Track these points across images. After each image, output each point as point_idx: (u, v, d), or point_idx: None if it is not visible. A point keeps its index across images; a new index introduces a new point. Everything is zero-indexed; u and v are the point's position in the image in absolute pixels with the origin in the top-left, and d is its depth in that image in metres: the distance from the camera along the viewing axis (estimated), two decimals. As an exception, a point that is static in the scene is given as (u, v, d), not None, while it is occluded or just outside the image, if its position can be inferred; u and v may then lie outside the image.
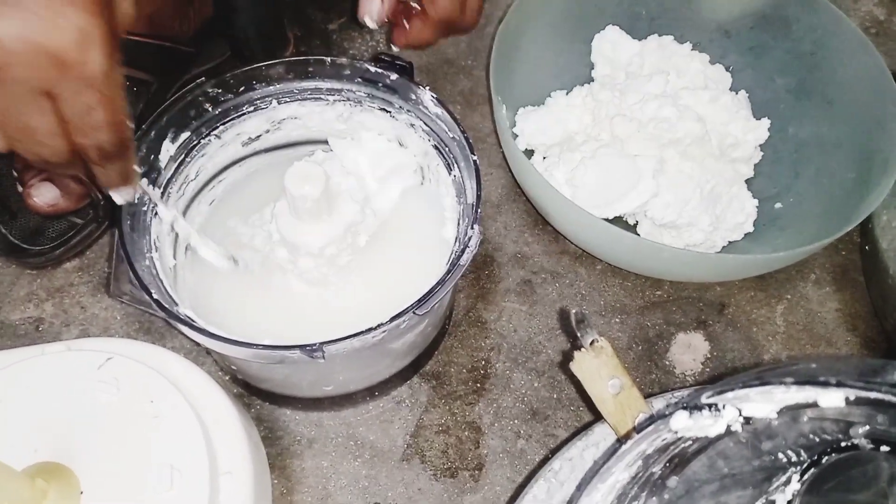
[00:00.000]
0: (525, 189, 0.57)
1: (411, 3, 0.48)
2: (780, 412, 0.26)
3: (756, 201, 0.59)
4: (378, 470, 0.51)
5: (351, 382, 0.51)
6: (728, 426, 0.27)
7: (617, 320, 0.57)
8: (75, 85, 0.34)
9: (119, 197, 0.42)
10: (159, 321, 0.56)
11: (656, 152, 0.55)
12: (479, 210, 0.46)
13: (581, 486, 0.27)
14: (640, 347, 0.56)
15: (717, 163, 0.58)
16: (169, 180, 0.50)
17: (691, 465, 0.29)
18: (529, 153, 0.61)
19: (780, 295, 0.59)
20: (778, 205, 0.60)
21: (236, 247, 0.52)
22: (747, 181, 0.61)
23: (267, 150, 0.56)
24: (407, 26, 0.48)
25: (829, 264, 0.60)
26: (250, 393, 0.53)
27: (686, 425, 0.26)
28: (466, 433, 0.53)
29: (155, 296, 0.42)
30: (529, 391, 0.54)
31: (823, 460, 0.26)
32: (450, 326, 0.57)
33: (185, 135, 0.50)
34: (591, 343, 0.35)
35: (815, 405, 0.25)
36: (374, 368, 0.50)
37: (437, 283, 0.43)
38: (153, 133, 0.48)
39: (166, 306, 0.42)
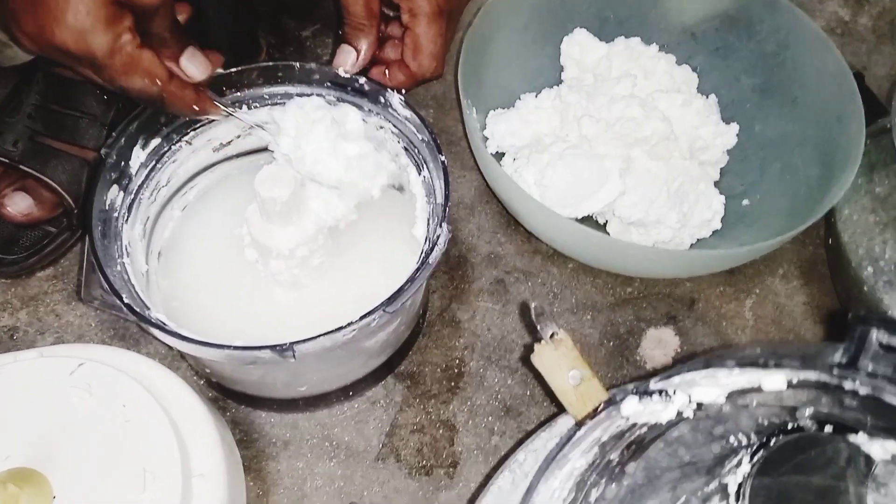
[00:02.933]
0: (496, 191, 0.58)
1: (389, 54, 0.50)
2: (728, 397, 0.27)
3: (723, 198, 0.60)
4: (353, 470, 0.51)
5: (325, 382, 0.51)
6: (680, 412, 0.27)
7: (588, 317, 0.58)
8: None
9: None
10: (134, 328, 0.56)
11: (623, 152, 0.56)
12: (447, 209, 0.47)
13: (538, 474, 0.28)
14: (611, 343, 0.57)
15: (684, 162, 0.59)
16: (140, 186, 0.50)
17: (649, 453, 0.30)
18: (500, 156, 0.62)
19: (748, 289, 0.60)
20: (745, 202, 0.61)
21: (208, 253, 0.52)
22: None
23: (238, 156, 0.56)
24: (386, 71, 0.51)
25: (797, 259, 0.61)
26: (225, 396, 0.54)
27: (636, 410, 0.27)
28: (441, 431, 0.53)
29: (126, 300, 0.43)
30: (503, 388, 0.55)
31: (772, 442, 0.27)
32: (424, 326, 0.57)
33: (155, 141, 0.50)
34: (551, 336, 0.35)
35: (759, 389, 0.26)
36: (348, 367, 0.51)
37: (407, 281, 0.44)
38: (123, 140, 0.48)
39: (137, 310, 0.43)
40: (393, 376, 0.55)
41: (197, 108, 0.46)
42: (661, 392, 0.27)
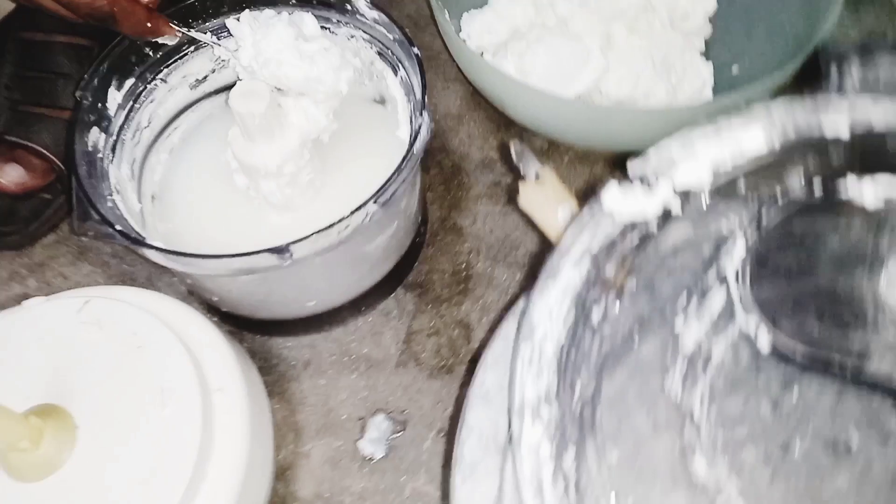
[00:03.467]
0: (479, 85, 0.57)
1: None
2: (714, 177, 0.26)
3: (711, 66, 0.59)
4: (375, 379, 0.51)
5: (334, 295, 0.51)
6: (666, 208, 0.27)
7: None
8: None
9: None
10: (142, 276, 0.56)
11: (602, 28, 0.55)
12: (426, 99, 0.46)
13: (533, 290, 0.27)
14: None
15: (666, 33, 0.58)
16: (121, 128, 0.50)
17: (644, 266, 0.29)
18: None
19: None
20: (735, 68, 0.60)
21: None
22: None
23: (217, 92, 0.56)
24: None
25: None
26: (240, 328, 0.54)
27: (619, 204, 0.26)
28: (457, 331, 0.53)
29: (118, 227, 0.43)
30: (512, 284, 0.55)
31: (763, 216, 0.26)
32: (426, 235, 0.57)
33: (129, 81, 0.50)
34: (535, 175, 0.35)
35: (741, 159, 0.25)
36: (354, 276, 0.51)
37: (394, 172, 0.44)
38: (97, 81, 0.48)
39: (132, 235, 0.43)
40: (402, 287, 0.55)
41: (150, 26, 0.45)
42: (641, 180, 0.26)
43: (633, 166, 0.26)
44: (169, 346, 0.43)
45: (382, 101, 0.55)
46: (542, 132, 0.58)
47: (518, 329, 0.29)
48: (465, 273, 0.56)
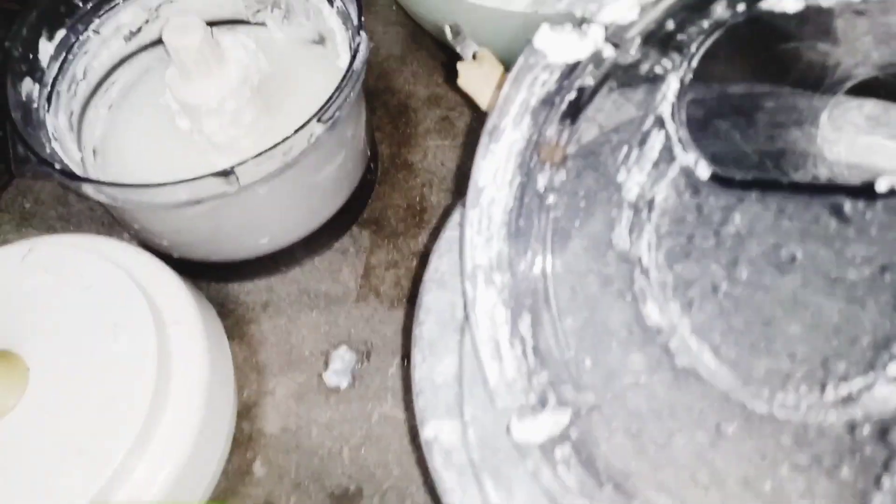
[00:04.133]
0: (422, 15, 0.56)
1: None
2: (641, 17, 0.26)
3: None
4: (336, 315, 0.51)
5: (286, 231, 0.50)
6: (597, 51, 0.27)
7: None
8: None
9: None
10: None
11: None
12: (362, 19, 0.46)
13: (476, 153, 0.27)
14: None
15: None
16: (55, 79, 0.49)
17: (583, 132, 0.30)
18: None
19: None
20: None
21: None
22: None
23: (153, 44, 0.55)
24: None
25: None
26: (194, 276, 0.53)
27: (551, 43, 0.26)
28: (415, 262, 0.53)
29: (58, 166, 0.42)
30: (467, 210, 0.55)
31: (693, 49, 0.26)
32: (378, 173, 0.57)
33: (60, 32, 0.49)
34: (473, 56, 0.34)
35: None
36: (305, 211, 0.50)
37: (335, 90, 0.43)
38: (25, 31, 0.47)
39: (70, 171, 0.42)
40: (357, 225, 0.55)
41: None
42: (574, 23, 0.26)
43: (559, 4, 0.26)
44: (119, 283, 0.42)
45: (322, 41, 0.55)
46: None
47: (465, 196, 0.29)
48: (419, 207, 0.55)
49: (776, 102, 0.30)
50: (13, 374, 0.39)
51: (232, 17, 0.56)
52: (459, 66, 0.35)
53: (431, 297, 0.33)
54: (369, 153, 0.55)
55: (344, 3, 0.49)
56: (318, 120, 0.42)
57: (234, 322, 0.51)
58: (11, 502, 0.36)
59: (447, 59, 0.61)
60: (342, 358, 0.49)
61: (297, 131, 0.42)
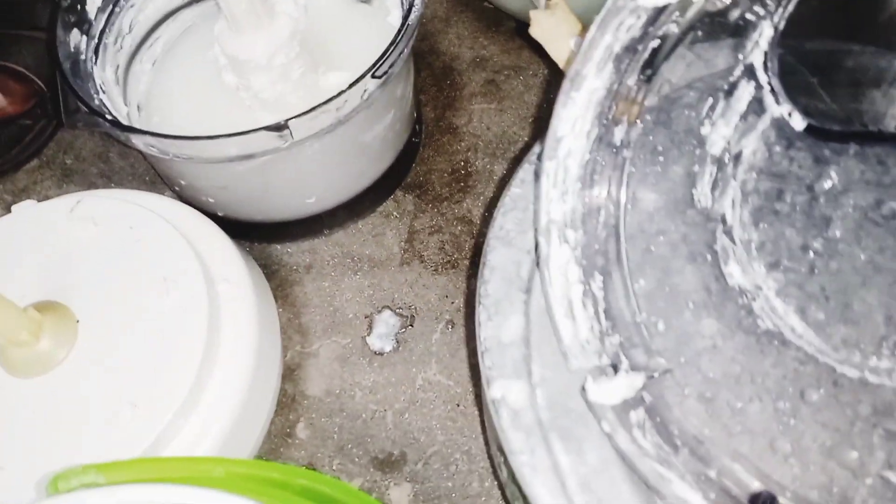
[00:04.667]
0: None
1: None
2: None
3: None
4: (380, 278, 0.50)
5: (333, 191, 0.49)
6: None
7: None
8: None
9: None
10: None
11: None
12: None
13: (557, 101, 0.26)
14: (615, 112, 0.55)
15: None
16: (102, 32, 0.48)
17: (666, 75, 0.28)
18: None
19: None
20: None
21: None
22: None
23: (198, 0, 0.54)
24: None
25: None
26: (238, 236, 0.52)
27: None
28: (459, 228, 0.52)
29: (109, 117, 0.41)
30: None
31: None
32: (422, 136, 0.56)
33: (108, -17, 0.49)
34: (546, 3, 0.33)
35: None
36: (353, 171, 0.49)
37: (390, 45, 0.42)
38: (74, -20, 0.46)
39: (122, 122, 0.41)
40: (401, 189, 0.54)
41: None
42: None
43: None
44: (169, 238, 0.42)
45: (368, 1, 0.54)
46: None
47: (542, 145, 0.28)
48: (463, 171, 0.54)
49: (863, 60, 0.29)
50: (63, 326, 0.39)
51: (279, -28, 0.55)
52: (532, 13, 0.34)
53: (496, 256, 0.32)
54: (415, 116, 0.54)
55: (395, -42, 0.48)
56: (373, 76, 0.41)
57: (277, 283, 0.50)
58: (63, 453, 0.36)
59: (493, 22, 0.60)
60: (386, 322, 0.48)
61: (351, 86, 0.41)
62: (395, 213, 0.53)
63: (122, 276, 0.41)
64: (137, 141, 0.41)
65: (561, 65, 0.33)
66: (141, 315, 0.40)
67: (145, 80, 0.53)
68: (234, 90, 0.49)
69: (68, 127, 0.41)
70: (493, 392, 0.29)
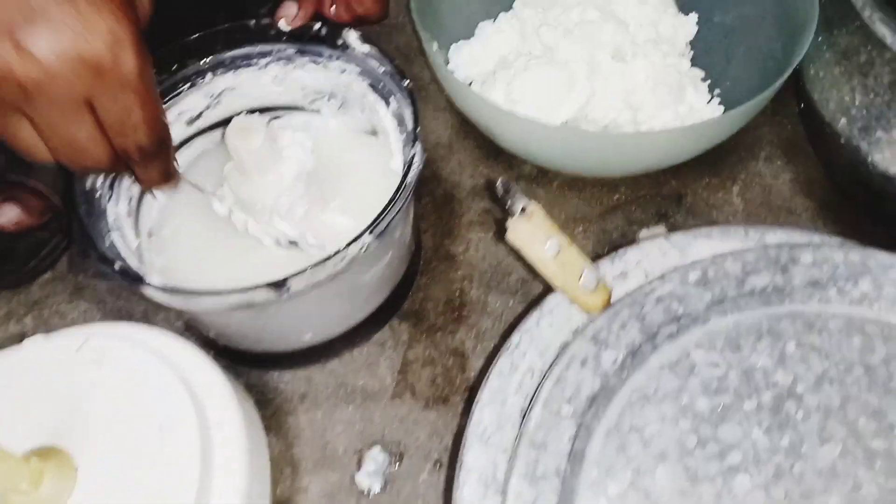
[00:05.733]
0: (467, 114, 0.58)
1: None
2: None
3: (698, 88, 0.60)
4: (371, 411, 0.52)
5: (330, 326, 0.51)
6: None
7: (580, 229, 0.58)
8: (112, 89, 0.34)
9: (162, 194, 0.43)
10: (138, 312, 0.57)
11: (587, 55, 0.56)
12: (418, 131, 0.47)
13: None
14: (605, 250, 0.57)
15: (649, 58, 0.59)
16: (117, 169, 0.51)
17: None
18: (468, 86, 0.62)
19: (734, 176, 0.60)
20: (717, 91, 0.61)
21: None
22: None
23: (211, 128, 0.57)
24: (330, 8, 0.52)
25: (777, 139, 0.61)
26: (236, 363, 0.54)
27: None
28: (452, 360, 0.54)
29: (118, 266, 0.43)
30: (506, 310, 0.55)
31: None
32: (421, 264, 0.58)
33: (126, 120, 0.51)
34: (522, 210, 0.35)
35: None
36: (350, 308, 0.51)
37: (388, 203, 0.44)
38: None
39: (130, 273, 0.43)
40: (397, 316, 0.56)
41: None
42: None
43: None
44: (167, 383, 0.43)
45: (374, 133, 0.56)
46: (531, 159, 0.59)
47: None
48: (458, 301, 0.56)
49: None
50: (63, 474, 0.40)
51: (289, 104, 0.57)
52: (509, 222, 0.36)
53: (473, 456, 0.33)
54: (414, 247, 0.56)
55: (400, 107, 0.50)
56: (371, 233, 0.43)
57: (272, 412, 0.52)
58: None
59: (493, 151, 0.62)
60: (375, 459, 0.49)
61: (349, 244, 0.43)
62: (389, 342, 0.55)
63: (121, 421, 0.42)
64: (143, 289, 0.43)
65: (539, 268, 0.35)
66: (137, 462, 0.41)
67: (157, 205, 0.55)
68: (242, 223, 0.51)
69: (77, 274, 0.43)
70: None
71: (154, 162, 0.40)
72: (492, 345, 0.54)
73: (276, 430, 0.51)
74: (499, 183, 0.37)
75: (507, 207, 0.36)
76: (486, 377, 0.36)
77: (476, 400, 0.36)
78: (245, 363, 0.54)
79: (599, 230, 0.58)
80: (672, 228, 0.58)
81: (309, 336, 0.51)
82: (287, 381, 0.53)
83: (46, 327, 0.57)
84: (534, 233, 0.35)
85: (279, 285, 0.42)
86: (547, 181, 0.61)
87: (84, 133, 0.35)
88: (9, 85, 0.33)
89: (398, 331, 0.55)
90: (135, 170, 0.41)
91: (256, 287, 0.42)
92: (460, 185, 0.62)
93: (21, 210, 0.58)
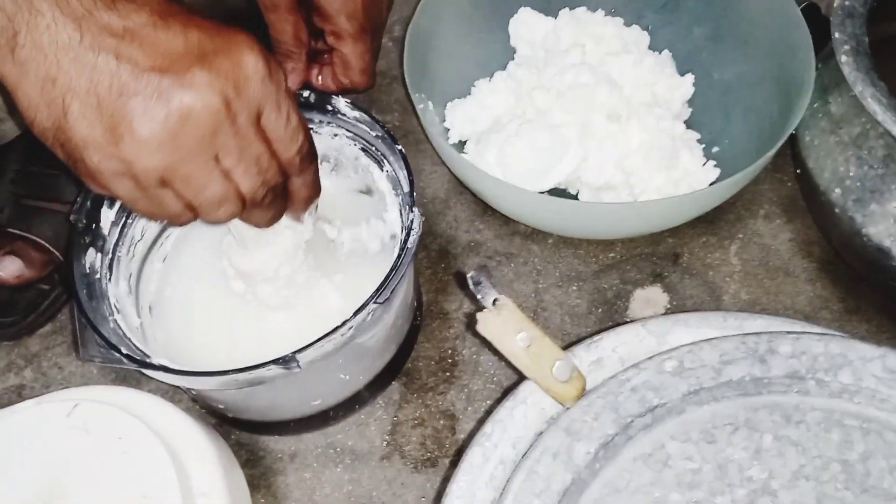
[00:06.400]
0: (461, 178, 0.58)
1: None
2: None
3: (693, 151, 0.59)
4: (360, 473, 0.52)
5: (336, 393, 0.51)
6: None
7: (574, 288, 0.58)
8: (272, 98, 0.36)
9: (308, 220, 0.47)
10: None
11: (581, 118, 0.56)
12: (414, 195, 0.47)
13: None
14: (600, 310, 0.57)
15: (645, 120, 0.59)
16: (116, 245, 0.51)
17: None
18: (463, 144, 0.63)
19: (731, 235, 0.59)
20: (715, 149, 0.61)
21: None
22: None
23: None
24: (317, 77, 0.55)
25: (776, 197, 0.61)
26: (227, 424, 0.54)
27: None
28: (442, 422, 0.54)
29: (125, 351, 0.44)
30: (498, 371, 0.55)
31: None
32: (421, 320, 0.58)
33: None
34: (493, 302, 0.35)
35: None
36: (356, 370, 0.51)
37: (391, 270, 0.44)
38: (89, 203, 0.49)
39: (137, 358, 0.44)
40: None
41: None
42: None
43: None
44: (153, 451, 0.44)
45: (369, 192, 0.56)
46: (523, 222, 0.59)
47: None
48: (450, 360, 0.56)
49: None
50: (46, 541, 0.41)
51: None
52: (479, 315, 0.36)
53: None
54: (415, 303, 0.56)
55: (394, 169, 0.51)
56: (376, 301, 0.43)
57: (261, 472, 0.52)
58: None
59: (488, 207, 0.62)
60: (362, 524, 0.49)
61: (355, 314, 0.43)
62: (380, 402, 0.55)
63: (107, 488, 0.43)
64: (150, 373, 0.43)
65: (511, 360, 0.35)
66: (120, 532, 0.42)
67: (156, 278, 0.55)
68: (242, 292, 0.52)
69: (83, 361, 0.43)
70: None
71: (310, 168, 0.41)
72: (482, 406, 0.54)
73: (264, 490, 0.52)
74: (469, 275, 0.37)
75: (478, 299, 0.36)
76: (458, 466, 0.36)
77: (446, 493, 0.36)
78: (237, 426, 0.54)
79: (594, 289, 0.58)
80: (667, 289, 0.57)
81: (318, 403, 0.51)
82: (277, 439, 0.54)
83: (45, 379, 0.58)
84: (504, 325, 0.35)
85: (288, 361, 0.42)
86: (542, 238, 0.60)
87: (218, 185, 0.36)
88: (145, 176, 0.34)
89: (390, 390, 0.55)
90: (292, 188, 0.42)
91: (265, 364, 0.41)
92: (455, 240, 0.62)
93: (23, 263, 0.59)
